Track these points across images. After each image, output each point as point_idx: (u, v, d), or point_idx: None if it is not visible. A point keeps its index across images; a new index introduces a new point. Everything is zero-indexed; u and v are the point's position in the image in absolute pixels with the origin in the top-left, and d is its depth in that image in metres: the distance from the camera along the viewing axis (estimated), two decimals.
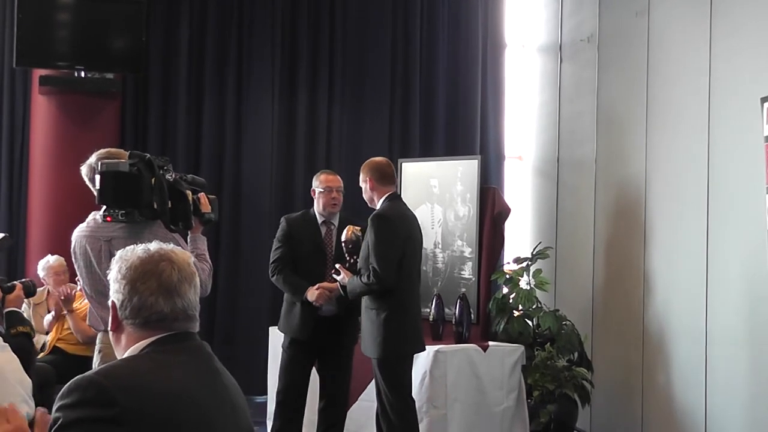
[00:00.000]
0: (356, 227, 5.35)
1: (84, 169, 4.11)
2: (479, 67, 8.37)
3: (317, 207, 5.57)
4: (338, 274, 5.23)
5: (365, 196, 5.28)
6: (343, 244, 5.34)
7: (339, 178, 5.61)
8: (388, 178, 5.25)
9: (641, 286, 6.78)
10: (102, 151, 4.12)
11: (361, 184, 5.28)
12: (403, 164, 6.88)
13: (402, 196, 5.71)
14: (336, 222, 5.57)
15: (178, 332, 2.17)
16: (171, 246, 2.25)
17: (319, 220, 5.56)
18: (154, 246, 2.23)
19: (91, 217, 4.13)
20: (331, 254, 5.50)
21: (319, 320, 5.42)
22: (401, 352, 5.14)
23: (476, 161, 6.63)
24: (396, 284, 5.03)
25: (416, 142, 8.12)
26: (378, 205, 5.20)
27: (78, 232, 4.12)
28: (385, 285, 5.00)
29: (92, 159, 4.09)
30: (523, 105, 8.54)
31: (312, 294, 5.34)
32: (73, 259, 4.15)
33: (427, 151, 8.08)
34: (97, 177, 3.92)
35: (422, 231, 5.42)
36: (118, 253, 2.23)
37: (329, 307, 5.41)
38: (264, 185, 7.77)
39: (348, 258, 5.29)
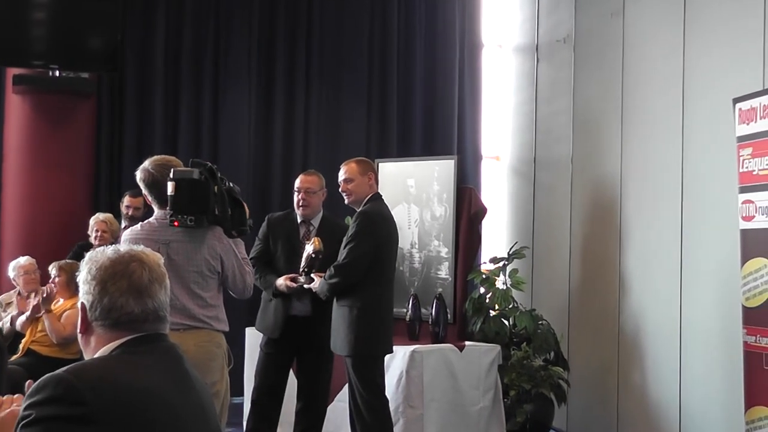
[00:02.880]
0: (318, 239, 5.30)
1: (139, 174, 4.26)
2: (456, 67, 8.40)
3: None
4: (310, 281, 5.26)
5: (356, 190, 5.23)
6: (306, 257, 5.30)
7: (314, 178, 5.57)
8: (377, 178, 5.39)
9: (617, 286, 6.82)
10: (157, 158, 4.30)
11: (356, 177, 5.23)
12: (380, 164, 6.89)
13: None
14: (316, 223, 5.57)
15: (149, 333, 2.17)
16: (141, 247, 2.26)
17: (299, 220, 5.58)
18: (124, 247, 2.23)
19: (136, 227, 4.29)
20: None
21: (293, 320, 5.43)
22: (373, 351, 5.16)
23: (453, 161, 6.64)
24: (361, 279, 5.08)
25: (393, 141, 8.14)
26: (362, 205, 5.22)
27: (131, 234, 4.18)
28: (347, 279, 5.06)
29: (147, 164, 4.26)
30: (499, 105, 8.57)
31: (280, 282, 5.37)
32: None
33: (404, 151, 8.10)
34: (170, 184, 4.10)
35: (399, 231, 5.47)
36: (88, 255, 2.23)
37: (303, 307, 5.42)
38: (240, 185, 7.70)
39: (306, 271, 5.29)
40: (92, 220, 6.66)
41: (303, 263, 5.29)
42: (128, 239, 4.13)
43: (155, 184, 4.20)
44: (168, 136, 7.62)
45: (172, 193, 4.09)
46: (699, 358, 6.01)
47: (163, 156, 4.35)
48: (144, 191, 4.29)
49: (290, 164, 7.72)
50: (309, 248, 5.26)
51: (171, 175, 4.12)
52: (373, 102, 8.16)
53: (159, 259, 2.26)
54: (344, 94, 8.10)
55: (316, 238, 5.29)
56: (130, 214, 6.58)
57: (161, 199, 4.20)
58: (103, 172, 7.40)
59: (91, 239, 6.61)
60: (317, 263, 5.25)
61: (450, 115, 8.34)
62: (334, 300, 5.20)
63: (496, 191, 8.40)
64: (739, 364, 5.14)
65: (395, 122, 8.18)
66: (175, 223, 4.11)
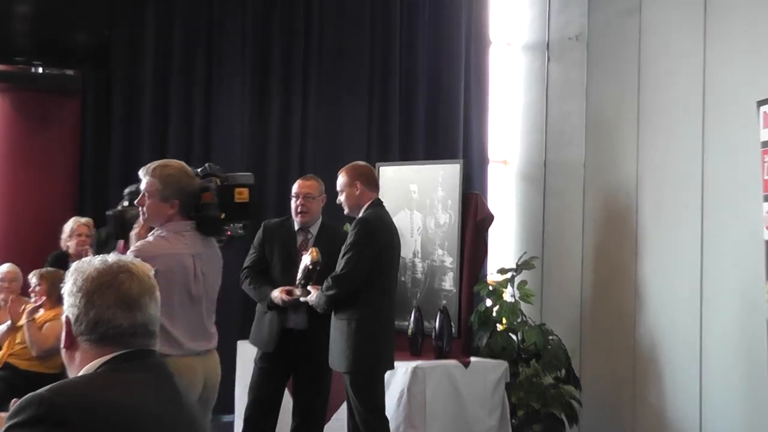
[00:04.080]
0: (316, 249, 5.28)
1: (158, 180, 4.04)
2: (462, 66, 8.37)
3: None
4: (306, 294, 5.25)
5: (347, 202, 5.27)
6: (303, 269, 5.27)
7: (314, 183, 5.58)
8: (374, 183, 5.35)
9: (632, 298, 6.80)
10: (169, 162, 4.16)
11: (344, 188, 5.27)
12: (381, 168, 6.87)
13: None
14: (315, 230, 5.56)
15: (137, 349, 2.15)
16: (130, 257, 2.25)
17: (296, 227, 5.57)
18: (112, 257, 2.21)
19: (158, 232, 4.06)
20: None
21: (288, 333, 5.41)
22: (373, 367, 5.14)
23: (458, 165, 6.63)
24: (360, 288, 5.07)
25: (395, 144, 8.11)
26: (362, 211, 5.21)
27: (167, 250, 4.01)
28: (345, 291, 5.06)
29: (167, 170, 4.06)
30: (508, 106, 8.54)
31: (275, 294, 5.35)
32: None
33: (407, 154, 8.07)
34: (241, 190, 4.11)
35: (401, 239, 5.45)
36: (74, 265, 2.21)
37: (299, 320, 5.41)
38: None
39: (303, 283, 5.27)
40: (72, 224, 6.57)
41: (300, 275, 5.28)
42: (164, 254, 3.95)
43: (182, 190, 4.05)
44: (157, 138, 7.57)
45: (245, 200, 4.10)
46: (721, 377, 5.98)
47: (168, 160, 4.23)
48: (156, 199, 4.04)
49: (287, 168, 7.69)
50: (306, 259, 5.25)
51: (238, 181, 4.14)
52: (374, 103, 8.13)
53: (149, 270, 2.24)
54: (344, 95, 8.06)
55: (313, 248, 5.27)
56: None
57: (188, 207, 4.07)
58: (87, 175, 7.37)
59: (66, 246, 6.53)
60: (315, 275, 5.23)
61: (455, 117, 8.31)
62: (332, 313, 5.18)
63: (503, 197, 8.38)
64: (763, 383, 5.11)
65: (397, 124, 8.15)
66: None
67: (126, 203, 4.58)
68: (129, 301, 2.14)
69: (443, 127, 8.32)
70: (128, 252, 3.98)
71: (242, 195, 4.10)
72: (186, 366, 3.91)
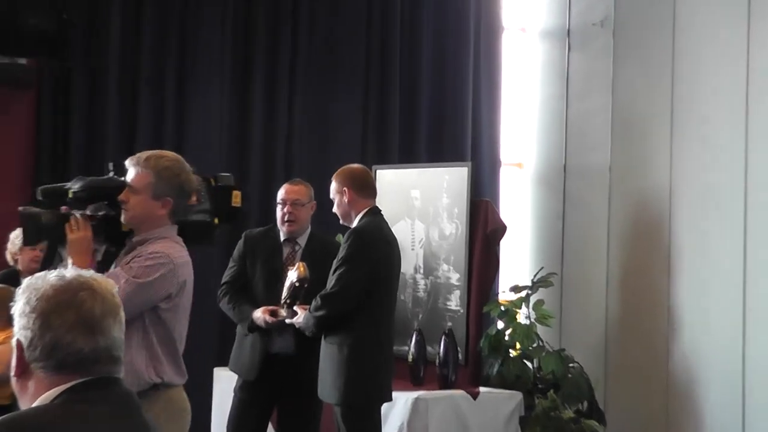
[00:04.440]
0: (304, 264, 5.28)
1: (168, 171, 3.91)
2: (471, 55, 8.38)
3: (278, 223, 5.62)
4: (292, 315, 5.25)
5: (339, 211, 5.32)
6: (289, 286, 5.28)
7: (303, 188, 5.62)
8: (369, 189, 5.36)
9: (665, 323, 6.80)
10: (169, 153, 4.05)
11: (334, 195, 5.32)
12: (378, 172, 6.87)
13: None
14: (303, 241, 5.59)
15: (100, 377, 2.14)
16: (90, 272, 2.23)
17: (282, 238, 5.58)
18: (70, 272, 2.19)
19: (171, 244, 3.95)
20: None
21: (273, 359, 5.41)
22: (368, 399, 5.15)
23: (466, 169, 6.64)
24: (353, 308, 5.09)
25: (394, 144, 8.10)
26: (355, 221, 5.24)
27: (187, 257, 3.99)
28: (336, 311, 5.08)
29: (178, 163, 3.96)
30: (523, 101, 8.56)
31: (257, 315, 5.35)
32: (175, 295, 3.97)
33: (408, 155, 8.07)
34: (237, 193, 4.19)
35: (401, 252, 5.46)
36: (26, 282, 2.20)
37: (285, 344, 5.40)
38: None
39: (288, 302, 5.27)
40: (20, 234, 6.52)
41: (285, 293, 5.29)
42: (186, 264, 3.95)
43: (180, 187, 3.90)
44: (123, 136, 7.55)
45: (239, 204, 4.20)
46: (766, 408, 5.98)
47: (164, 151, 4.11)
48: (147, 196, 3.87)
49: (271, 171, 7.68)
50: (292, 275, 5.26)
51: (231, 182, 4.24)
52: (371, 98, 8.13)
53: (112, 287, 2.23)
54: (336, 87, 8.06)
55: (300, 263, 5.28)
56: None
57: (179, 209, 3.94)
58: (43, 177, 7.35)
59: (14, 260, 6.49)
60: (302, 293, 5.24)
61: (463, 113, 8.31)
62: (322, 337, 5.18)
63: (517, 205, 8.39)
64: None
65: (397, 122, 8.14)
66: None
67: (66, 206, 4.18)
68: (91, 323, 2.13)
69: (449, 124, 8.32)
70: (148, 255, 3.80)
71: (237, 199, 4.13)
72: (186, 398, 3.98)
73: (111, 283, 2.25)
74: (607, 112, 7.58)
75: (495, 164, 8.40)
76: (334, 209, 5.34)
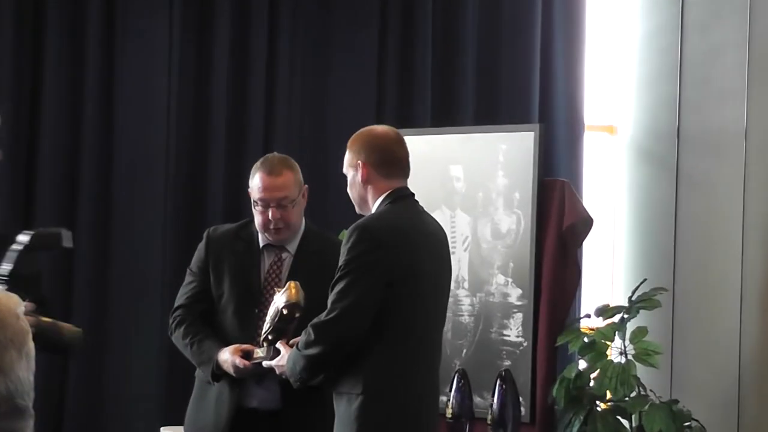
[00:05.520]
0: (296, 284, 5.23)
1: None
2: None
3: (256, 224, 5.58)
4: (274, 356, 5.23)
5: (353, 193, 5.23)
6: (273, 314, 5.25)
7: (289, 176, 5.50)
8: (395, 163, 5.21)
9: None
10: None
11: (346, 170, 5.24)
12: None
13: None
14: (294, 245, 5.56)
15: None
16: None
17: (262, 242, 5.58)
18: None
19: None
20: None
21: (250, 417, 5.41)
22: None
23: (532, 134, 6.65)
24: (364, 341, 4.98)
25: (425, 101, 8.16)
26: (373, 208, 5.18)
27: None
28: (331, 345, 4.99)
29: None
30: (616, 38, 8.61)
31: (225, 357, 5.34)
32: None
33: (445, 116, 8.12)
34: None
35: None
36: None
37: (267, 396, 5.40)
38: (154, 182, 7.80)
39: (271, 338, 5.24)
40: None
41: (267, 325, 5.25)
42: None
43: None
44: (23, 81, 7.63)
45: None
46: None
47: None
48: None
49: (243, 142, 7.76)
50: (279, 300, 5.18)
51: None
52: (391, 32, 8.18)
53: (16, 305, 2.29)
54: (342, 20, 8.14)
55: (292, 283, 5.20)
56: None
57: None
58: None
59: None
60: (293, 327, 5.18)
61: (528, 57, 8.34)
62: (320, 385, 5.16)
63: (607, 187, 8.46)
64: None
65: (429, 67, 8.20)
66: None
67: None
68: None
69: (506, 72, 8.36)
70: None
71: None
72: None
73: (14, 299, 2.30)
74: (741, 52, 7.61)
75: (576, 128, 8.42)
76: (348, 192, 5.28)
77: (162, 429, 6.50)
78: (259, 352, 5.28)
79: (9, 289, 4.28)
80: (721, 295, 7.49)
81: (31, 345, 2.27)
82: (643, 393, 6.75)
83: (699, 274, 7.71)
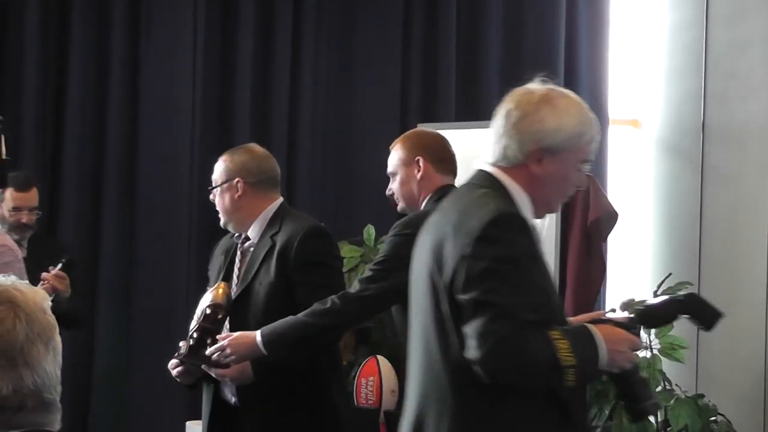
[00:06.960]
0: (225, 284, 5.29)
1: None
2: None
3: None
4: (198, 361, 5.22)
5: (401, 191, 5.18)
6: (201, 314, 5.24)
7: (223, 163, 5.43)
8: (451, 159, 5.26)
9: None
10: None
11: (396, 169, 5.21)
12: None
13: None
14: (256, 234, 5.45)
15: (27, 431, 2.18)
16: (12, 278, 2.28)
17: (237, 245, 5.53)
18: None
19: None
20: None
21: (228, 409, 5.41)
22: None
23: None
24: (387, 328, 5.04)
25: (450, 94, 8.16)
26: (422, 205, 5.14)
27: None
28: (353, 317, 5.05)
29: None
30: (641, 32, 8.60)
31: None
32: None
33: (469, 109, 8.12)
34: None
35: None
36: None
37: (231, 388, 5.36)
38: (179, 182, 7.83)
39: (195, 340, 5.21)
40: None
41: (194, 322, 5.27)
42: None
43: None
44: (48, 89, 7.65)
45: None
46: None
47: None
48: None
49: (266, 139, 7.77)
50: (206, 298, 5.26)
51: None
52: (415, 23, 8.20)
53: (43, 299, 2.28)
54: (365, 19, 8.15)
55: (222, 283, 5.28)
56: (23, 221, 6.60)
57: None
58: None
59: None
60: (221, 326, 5.21)
61: (552, 49, 8.36)
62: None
63: (632, 181, 8.45)
64: None
65: (454, 60, 8.20)
66: None
67: None
68: (10, 353, 2.19)
69: (531, 67, 8.29)
70: None
71: None
72: None
73: (41, 294, 2.29)
74: (766, 44, 7.59)
75: (600, 122, 8.29)
76: (391, 190, 5.25)
77: (188, 423, 6.48)
78: (181, 348, 5.30)
79: None
80: (747, 288, 7.48)
81: (58, 339, 2.27)
82: (668, 387, 6.76)
83: (724, 268, 7.70)
